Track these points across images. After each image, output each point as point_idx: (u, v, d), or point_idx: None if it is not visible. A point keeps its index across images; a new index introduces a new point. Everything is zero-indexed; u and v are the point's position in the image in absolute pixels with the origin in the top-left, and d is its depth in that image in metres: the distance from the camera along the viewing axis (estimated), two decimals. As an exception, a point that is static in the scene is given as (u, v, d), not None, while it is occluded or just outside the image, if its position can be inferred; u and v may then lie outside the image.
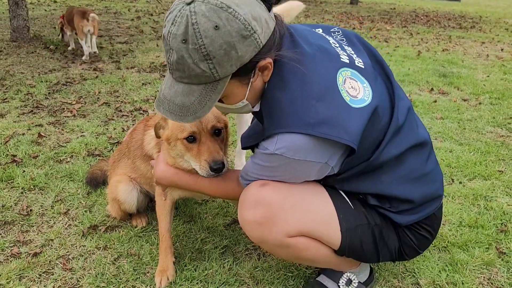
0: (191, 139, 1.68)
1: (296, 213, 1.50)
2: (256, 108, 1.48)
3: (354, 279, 1.77)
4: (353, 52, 1.51)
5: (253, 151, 1.67)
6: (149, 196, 2.30)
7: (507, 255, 2.08)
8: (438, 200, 1.61)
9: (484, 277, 1.94)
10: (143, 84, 4.74)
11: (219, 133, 1.73)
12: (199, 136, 1.67)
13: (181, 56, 1.21)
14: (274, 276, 1.92)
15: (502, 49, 7.66)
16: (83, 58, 5.72)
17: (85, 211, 2.36)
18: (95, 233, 2.18)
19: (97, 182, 2.58)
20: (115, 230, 2.23)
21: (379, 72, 1.53)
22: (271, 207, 1.47)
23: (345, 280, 1.76)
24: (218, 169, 1.62)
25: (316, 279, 1.82)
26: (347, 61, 1.44)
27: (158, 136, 1.85)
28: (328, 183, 1.56)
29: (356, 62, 1.47)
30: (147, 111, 3.92)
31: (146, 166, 2.10)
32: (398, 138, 1.46)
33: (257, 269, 1.96)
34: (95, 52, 5.99)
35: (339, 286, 1.76)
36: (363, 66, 1.47)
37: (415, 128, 1.55)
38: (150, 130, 2.05)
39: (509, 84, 5.23)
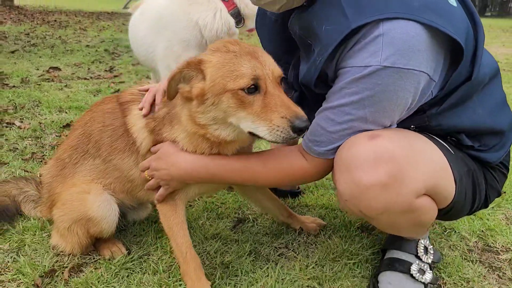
0: (253, 89, 1.16)
1: (420, 165, 1.19)
2: None
3: (429, 246, 1.52)
4: None
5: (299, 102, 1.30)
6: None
7: None
8: None
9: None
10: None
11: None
12: (265, 85, 1.17)
13: None
14: (336, 269, 1.52)
15: None
16: None
17: (12, 259, 1.49)
18: (58, 282, 1.38)
19: (9, 213, 1.68)
20: (85, 270, 1.46)
21: None
22: (396, 162, 1.13)
23: (423, 248, 1.50)
24: (304, 128, 1.16)
25: (389, 257, 1.50)
26: None
27: (173, 96, 1.24)
28: (421, 122, 1.30)
29: None
30: (14, 123, 2.86)
31: (131, 162, 1.43)
32: (483, 56, 1.25)
33: (311, 267, 1.53)
34: None
35: (418, 256, 1.49)
36: None
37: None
38: (135, 106, 1.41)
39: None
